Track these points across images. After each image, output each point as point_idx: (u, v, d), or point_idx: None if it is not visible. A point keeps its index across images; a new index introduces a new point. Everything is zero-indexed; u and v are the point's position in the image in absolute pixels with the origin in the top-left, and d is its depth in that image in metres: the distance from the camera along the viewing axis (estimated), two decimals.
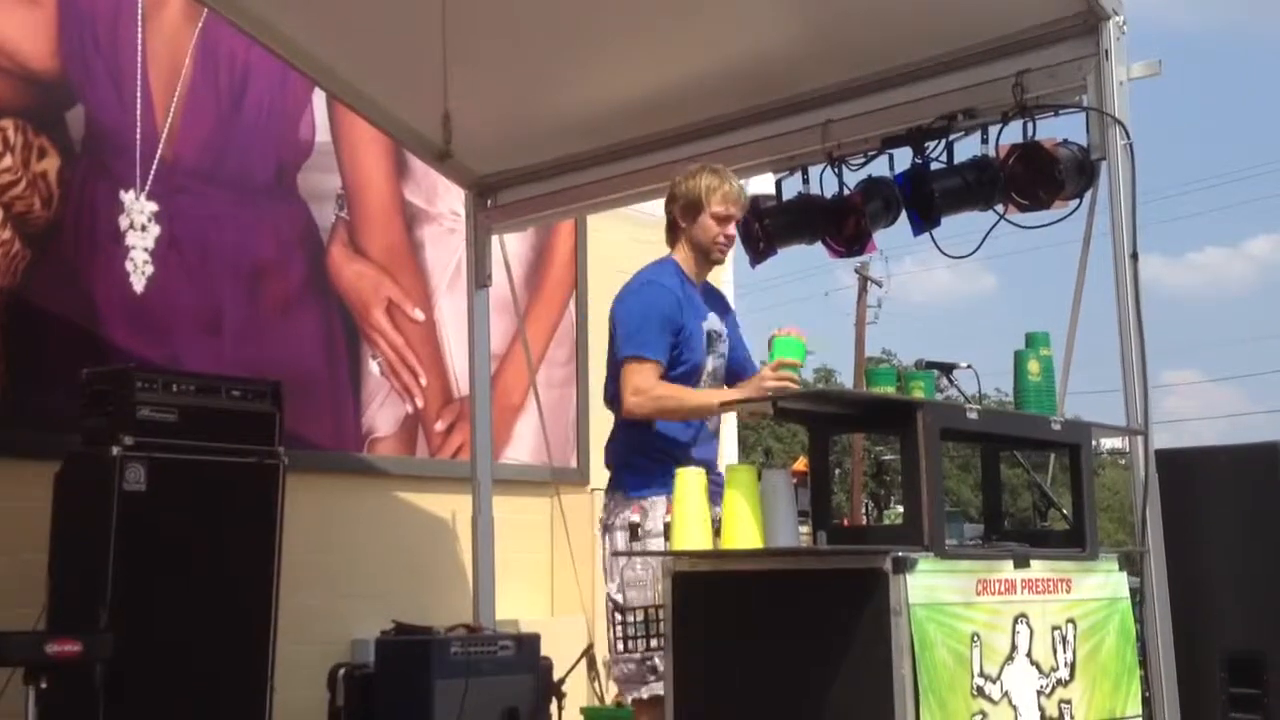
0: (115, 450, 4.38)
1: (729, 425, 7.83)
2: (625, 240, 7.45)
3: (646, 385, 3.74)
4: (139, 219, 5.47)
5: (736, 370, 4.03)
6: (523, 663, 5.25)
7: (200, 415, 4.64)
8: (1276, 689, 4.34)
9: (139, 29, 5.50)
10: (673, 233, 3.99)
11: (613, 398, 3.90)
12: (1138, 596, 3.69)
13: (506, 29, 4.81)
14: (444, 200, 6.54)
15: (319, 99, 6.06)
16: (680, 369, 3.83)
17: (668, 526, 3.35)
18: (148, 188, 5.50)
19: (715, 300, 4.07)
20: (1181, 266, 64.25)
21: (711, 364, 3.93)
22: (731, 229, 3.93)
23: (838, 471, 31.59)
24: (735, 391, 3.85)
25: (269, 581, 4.76)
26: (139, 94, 5.50)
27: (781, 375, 3.53)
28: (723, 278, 7.22)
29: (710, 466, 3.69)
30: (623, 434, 3.92)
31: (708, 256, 3.95)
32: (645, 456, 3.83)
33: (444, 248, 6.60)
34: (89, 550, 4.34)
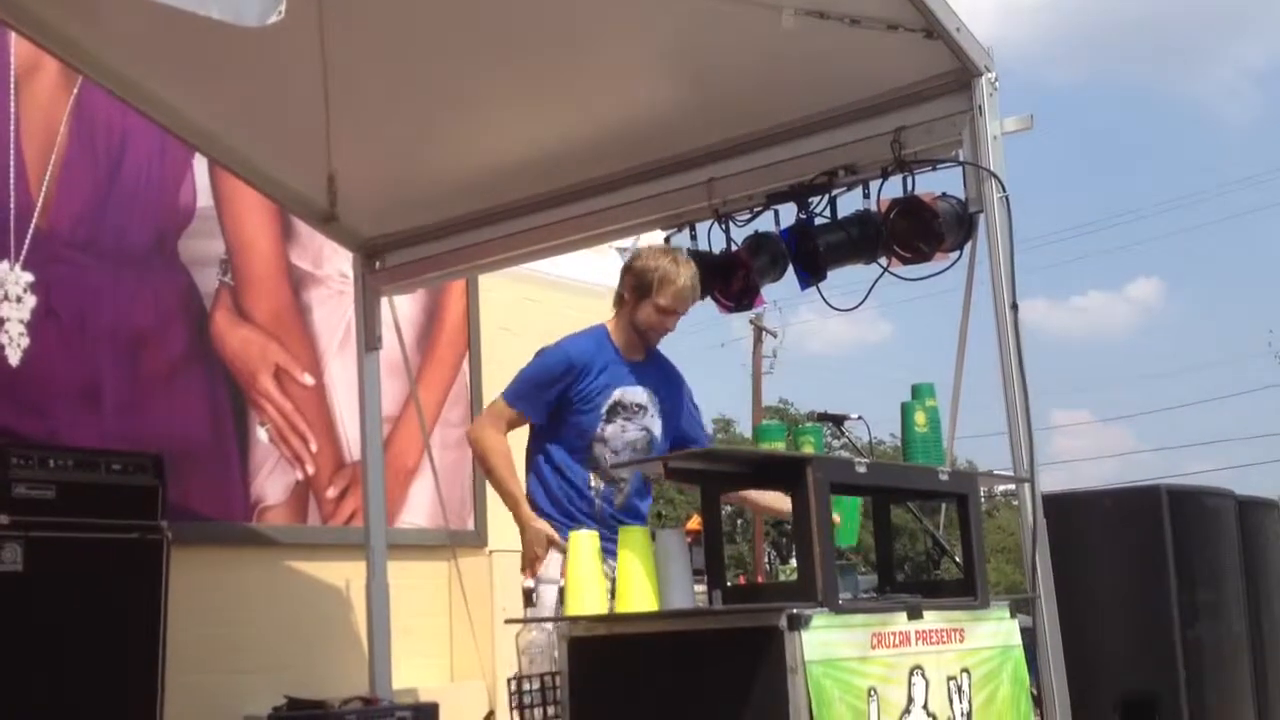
0: None
1: None
2: (518, 299, 7.45)
3: (492, 426, 4.00)
4: (14, 290, 5.32)
5: (681, 442, 4.19)
6: None
7: (79, 491, 4.51)
8: None
9: (11, 97, 5.37)
10: (618, 302, 4.06)
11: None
12: (1030, 637, 3.73)
13: (389, 90, 4.78)
14: (331, 263, 6.46)
15: (200, 164, 5.96)
16: (566, 429, 3.98)
17: (561, 590, 3.31)
18: (22, 258, 5.35)
19: (653, 373, 4.14)
20: (1066, 310, 65.98)
21: (629, 434, 4.04)
22: (672, 323, 4.05)
23: (740, 521, 31.69)
24: (525, 519, 3.97)
25: (154, 660, 4.62)
26: (12, 163, 5.36)
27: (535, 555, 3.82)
28: None
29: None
30: (535, 480, 4.02)
31: (643, 337, 4.02)
32: (555, 507, 3.89)
33: (332, 311, 6.51)
34: None
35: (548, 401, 4.01)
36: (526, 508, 3.96)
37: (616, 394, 4.05)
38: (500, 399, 4.07)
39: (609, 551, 3.32)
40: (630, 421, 4.06)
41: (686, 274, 4.02)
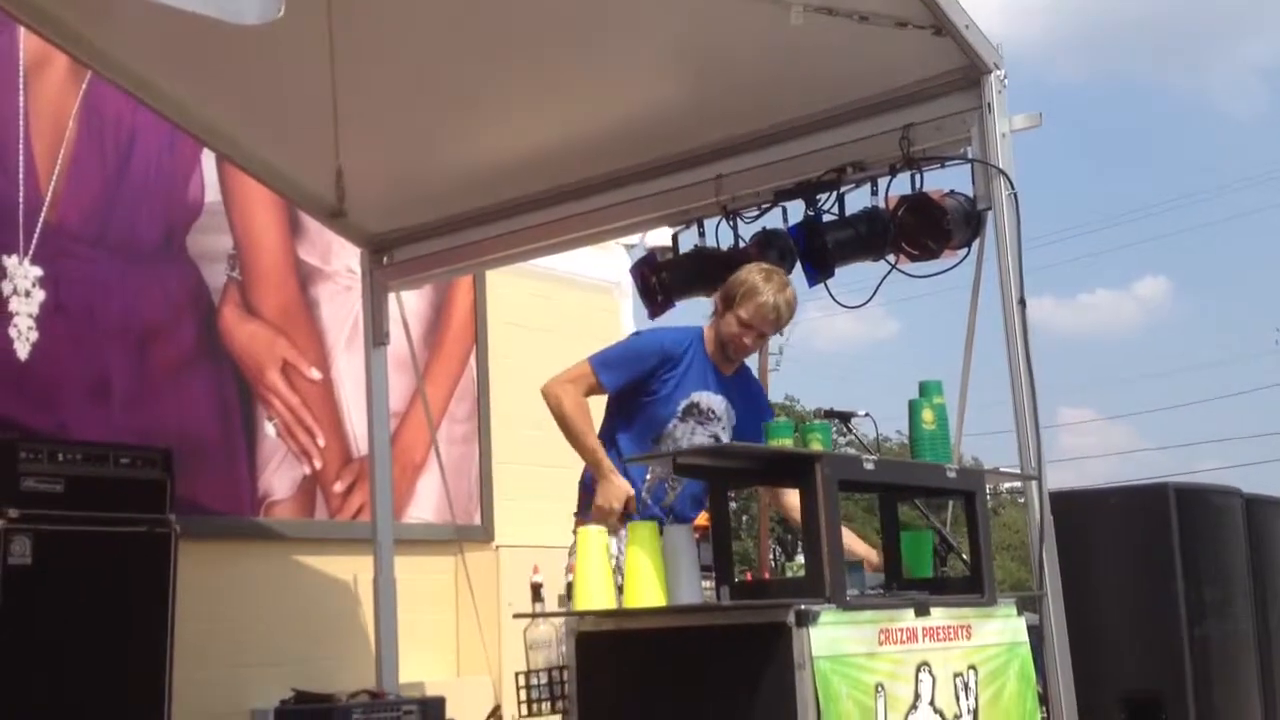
0: None
1: None
2: (525, 296, 7.45)
3: (572, 385, 3.95)
4: (23, 284, 5.33)
5: None
6: None
7: (88, 485, 4.53)
8: None
9: (20, 92, 5.38)
10: (714, 309, 4.13)
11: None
12: (1037, 635, 3.73)
13: (398, 86, 4.79)
14: (339, 258, 6.47)
15: (208, 158, 5.96)
16: (640, 418, 4.01)
17: (569, 586, 3.32)
18: (31, 252, 5.36)
19: (737, 388, 4.16)
20: (1073, 308, 65.95)
21: (697, 438, 4.03)
22: (750, 340, 4.04)
23: (745, 517, 31.65)
24: (607, 470, 3.95)
25: (162, 654, 4.63)
26: (21, 157, 5.37)
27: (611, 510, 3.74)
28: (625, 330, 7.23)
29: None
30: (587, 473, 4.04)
31: (723, 350, 4.01)
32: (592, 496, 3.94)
33: (340, 306, 6.52)
34: None
35: (629, 380, 4.02)
36: (607, 460, 3.95)
37: (695, 395, 4.06)
38: (586, 362, 4.05)
39: None
40: (702, 426, 4.06)
41: (774, 294, 3.96)
